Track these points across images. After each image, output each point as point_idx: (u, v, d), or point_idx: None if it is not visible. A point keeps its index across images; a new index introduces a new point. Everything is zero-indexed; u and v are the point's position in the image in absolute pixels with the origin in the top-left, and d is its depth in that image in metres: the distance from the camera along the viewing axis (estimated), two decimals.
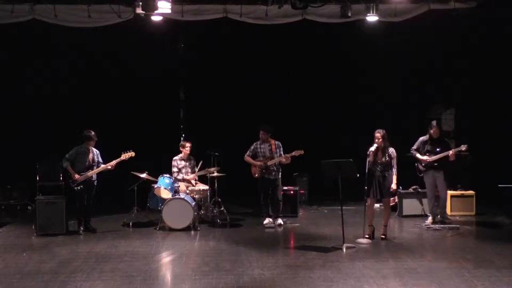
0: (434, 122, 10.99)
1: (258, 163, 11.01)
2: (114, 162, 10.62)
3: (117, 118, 13.64)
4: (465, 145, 10.70)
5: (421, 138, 11.01)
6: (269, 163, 10.97)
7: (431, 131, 10.87)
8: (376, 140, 9.81)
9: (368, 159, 9.80)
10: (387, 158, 9.81)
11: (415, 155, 10.96)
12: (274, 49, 13.76)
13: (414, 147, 11.01)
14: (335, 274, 7.95)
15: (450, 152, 10.64)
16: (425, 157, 10.86)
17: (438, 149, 10.79)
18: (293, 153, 10.88)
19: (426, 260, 8.67)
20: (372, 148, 9.81)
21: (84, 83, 13.69)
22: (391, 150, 9.87)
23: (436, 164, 10.79)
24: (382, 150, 9.81)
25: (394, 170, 9.84)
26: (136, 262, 8.62)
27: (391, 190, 9.91)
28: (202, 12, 11.88)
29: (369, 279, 7.73)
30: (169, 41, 13.50)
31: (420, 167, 10.98)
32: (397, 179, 9.87)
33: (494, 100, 13.42)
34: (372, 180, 9.82)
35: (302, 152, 10.85)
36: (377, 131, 9.89)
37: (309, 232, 10.68)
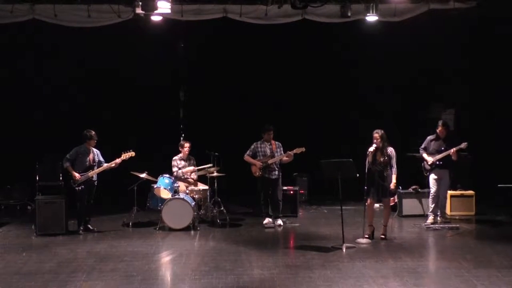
0: (440, 122, 11.01)
1: (258, 162, 11.01)
2: (119, 160, 10.60)
3: (117, 118, 13.65)
4: (465, 143, 10.69)
5: (429, 137, 11.05)
6: (270, 161, 10.97)
7: (438, 131, 10.90)
8: (375, 141, 9.83)
9: (367, 159, 9.81)
10: (386, 158, 9.82)
11: (422, 154, 11.00)
12: (274, 49, 13.75)
13: (422, 146, 11.05)
14: (335, 274, 7.95)
15: (451, 150, 10.64)
16: (429, 158, 10.88)
17: (443, 148, 10.81)
18: (294, 151, 10.89)
19: (426, 260, 8.68)
20: (371, 149, 9.81)
21: (84, 83, 13.69)
22: (390, 150, 9.88)
23: (441, 163, 10.81)
24: (381, 150, 9.82)
25: (394, 170, 9.85)
26: (136, 262, 8.62)
27: (391, 189, 9.91)
28: (202, 12, 11.88)
29: (369, 279, 7.73)
30: (169, 41, 13.51)
31: (426, 166, 11.00)
32: (397, 179, 9.86)
33: (494, 100, 13.41)
34: (371, 180, 9.82)
35: (303, 149, 10.86)
36: (375, 131, 9.90)
37: (309, 232, 10.68)
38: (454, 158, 10.70)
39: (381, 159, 9.81)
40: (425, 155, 10.96)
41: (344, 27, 12.37)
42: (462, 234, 10.36)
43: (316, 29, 12.66)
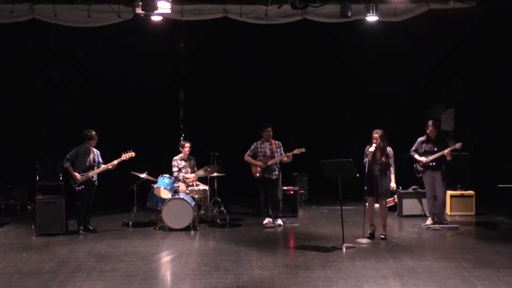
0: (430, 122, 10.95)
1: (259, 163, 11.01)
2: (115, 162, 10.62)
3: (117, 118, 13.65)
4: (460, 143, 10.68)
5: (419, 139, 11.00)
6: (270, 162, 10.98)
7: (428, 131, 10.86)
8: (375, 141, 9.84)
9: (366, 159, 9.83)
10: (385, 158, 9.84)
11: (413, 155, 10.95)
12: (274, 49, 13.76)
13: (413, 147, 11.01)
14: (335, 274, 7.95)
15: (446, 151, 10.61)
16: (422, 158, 10.84)
17: (435, 149, 10.76)
18: (295, 151, 10.90)
19: (426, 260, 8.66)
20: (371, 149, 9.82)
21: (84, 83, 13.69)
22: (389, 150, 9.91)
23: (433, 164, 10.78)
24: (380, 150, 9.84)
25: (392, 169, 9.87)
26: (136, 262, 8.62)
27: (392, 189, 9.94)
28: (202, 12, 11.89)
29: (369, 279, 7.73)
30: (169, 41, 13.51)
31: (418, 167, 10.96)
32: (395, 178, 9.88)
33: (494, 100, 13.40)
34: (371, 180, 9.83)
35: (303, 150, 10.86)
36: (375, 131, 9.92)
37: (309, 232, 10.68)
38: (449, 159, 10.66)
39: (382, 159, 9.83)
40: (417, 156, 10.89)
41: (344, 27, 12.37)
42: (462, 234, 10.36)
43: (316, 29, 12.66)
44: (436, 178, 10.84)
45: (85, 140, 10.65)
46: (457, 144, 10.68)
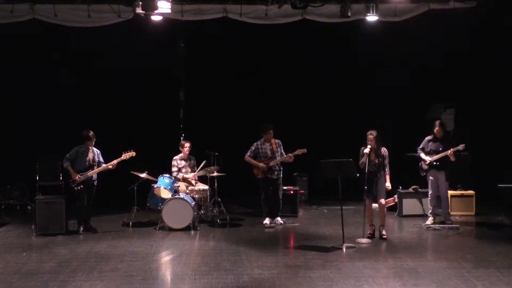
0: (437, 122, 11.00)
1: (261, 164, 11.00)
2: (115, 162, 10.62)
3: (118, 118, 13.65)
4: (463, 144, 10.69)
5: (427, 138, 11.04)
6: (272, 163, 10.98)
7: (434, 131, 10.89)
8: (369, 142, 9.84)
9: (361, 160, 9.82)
10: (380, 159, 9.85)
11: (420, 154, 10.99)
12: (274, 49, 13.76)
13: (420, 146, 11.04)
14: (335, 274, 7.95)
15: (449, 151, 10.62)
16: (427, 157, 10.86)
17: (440, 149, 10.79)
18: (296, 152, 10.91)
19: (426, 260, 8.66)
20: (366, 150, 9.82)
21: (84, 83, 13.69)
22: (383, 150, 9.92)
23: (437, 163, 10.79)
24: (375, 150, 9.85)
25: (387, 170, 9.87)
26: (136, 262, 8.62)
27: (387, 189, 9.94)
28: (202, 12, 11.89)
29: (369, 279, 7.72)
30: (169, 41, 13.51)
31: (424, 166, 10.99)
32: (390, 178, 9.89)
33: (494, 100, 13.40)
34: (368, 181, 9.82)
35: (305, 150, 10.88)
36: (369, 132, 9.93)
37: (309, 232, 10.67)
38: (453, 159, 10.67)
39: (375, 160, 9.84)
40: (422, 155, 10.93)
41: (344, 27, 12.37)
42: (462, 234, 10.36)
43: (316, 29, 12.66)
44: (440, 178, 10.87)
45: (83, 140, 10.65)
46: (460, 145, 10.68)
